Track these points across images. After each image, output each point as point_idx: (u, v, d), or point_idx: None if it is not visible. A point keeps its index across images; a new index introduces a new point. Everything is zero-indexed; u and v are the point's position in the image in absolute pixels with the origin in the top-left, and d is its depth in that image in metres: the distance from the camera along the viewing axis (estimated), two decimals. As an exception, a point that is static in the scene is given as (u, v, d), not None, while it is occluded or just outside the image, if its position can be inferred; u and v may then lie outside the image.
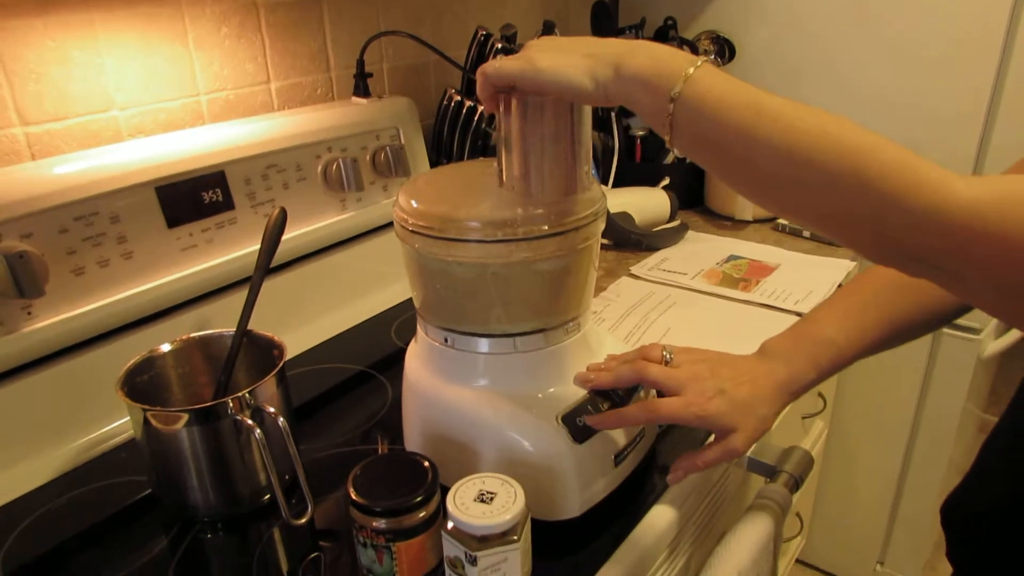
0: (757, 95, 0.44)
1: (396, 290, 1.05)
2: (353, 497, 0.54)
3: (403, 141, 1.02)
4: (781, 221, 1.29)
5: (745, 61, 1.40)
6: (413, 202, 0.62)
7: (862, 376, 1.47)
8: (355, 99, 1.00)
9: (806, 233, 1.25)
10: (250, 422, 0.60)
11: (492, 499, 0.52)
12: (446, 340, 0.64)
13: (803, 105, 0.44)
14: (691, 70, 0.45)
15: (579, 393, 0.63)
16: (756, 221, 1.31)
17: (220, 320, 0.84)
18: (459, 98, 1.06)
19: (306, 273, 0.94)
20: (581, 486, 0.62)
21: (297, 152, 0.89)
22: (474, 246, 0.59)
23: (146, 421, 0.61)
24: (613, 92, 0.49)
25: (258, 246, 0.85)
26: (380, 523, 0.53)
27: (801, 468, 0.79)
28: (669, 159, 1.35)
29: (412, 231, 0.61)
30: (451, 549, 0.52)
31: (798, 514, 1.25)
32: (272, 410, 0.62)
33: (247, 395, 0.61)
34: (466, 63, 1.07)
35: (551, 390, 0.63)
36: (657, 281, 1.09)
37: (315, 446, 0.74)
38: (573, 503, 0.62)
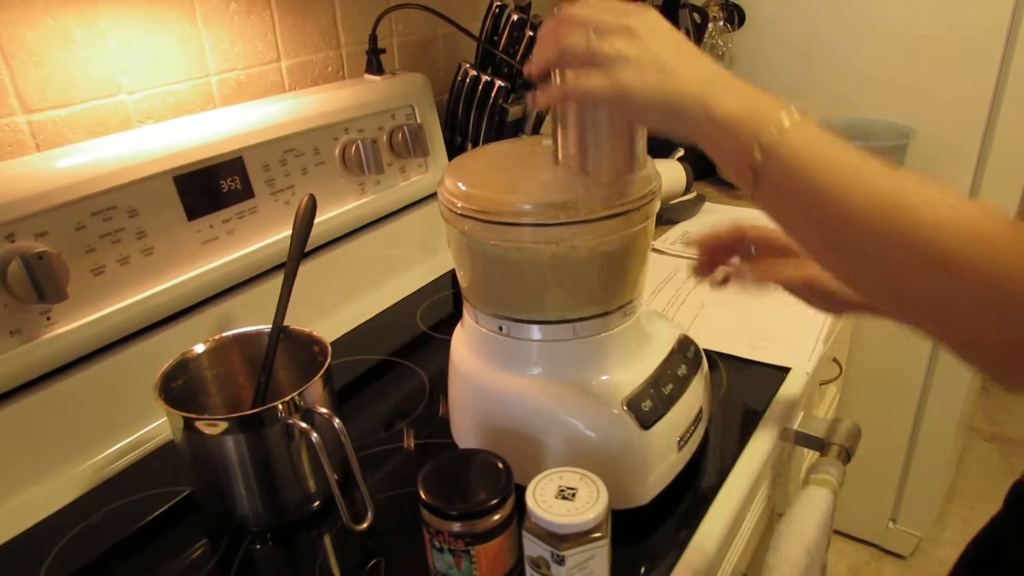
0: (860, 159, 0.40)
1: (417, 273, 1.01)
2: (427, 499, 0.51)
3: (419, 119, 0.97)
4: (796, 188, 1.27)
5: (755, 27, 1.36)
6: (461, 184, 0.58)
7: (874, 339, 1.46)
8: (368, 76, 0.95)
9: (823, 200, 1.23)
10: (303, 425, 0.56)
11: (574, 495, 0.49)
12: (500, 328, 0.61)
13: (908, 175, 0.39)
14: (786, 121, 0.41)
15: (640, 378, 0.60)
16: (771, 189, 1.28)
17: (245, 315, 0.80)
18: (474, 73, 1.01)
19: (327, 261, 0.89)
20: (650, 473, 0.59)
21: (315, 135, 0.84)
22: (530, 230, 0.55)
23: (190, 429, 0.57)
24: (697, 131, 0.44)
25: (280, 235, 0.82)
26: (457, 527, 0.50)
27: (851, 439, 0.77)
28: (680, 129, 1.31)
29: (462, 215, 0.57)
30: (534, 549, 0.49)
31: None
32: (325, 411, 0.58)
33: (297, 397, 0.57)
34: (481, 35, 1.02)
35: (611, 376, 0.60)
36: (682, 256, 1.06)
37: (357, 443, 0.70)
38: (643, 490, 0.60)
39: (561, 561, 0.48)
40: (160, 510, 0.63)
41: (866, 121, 1.31)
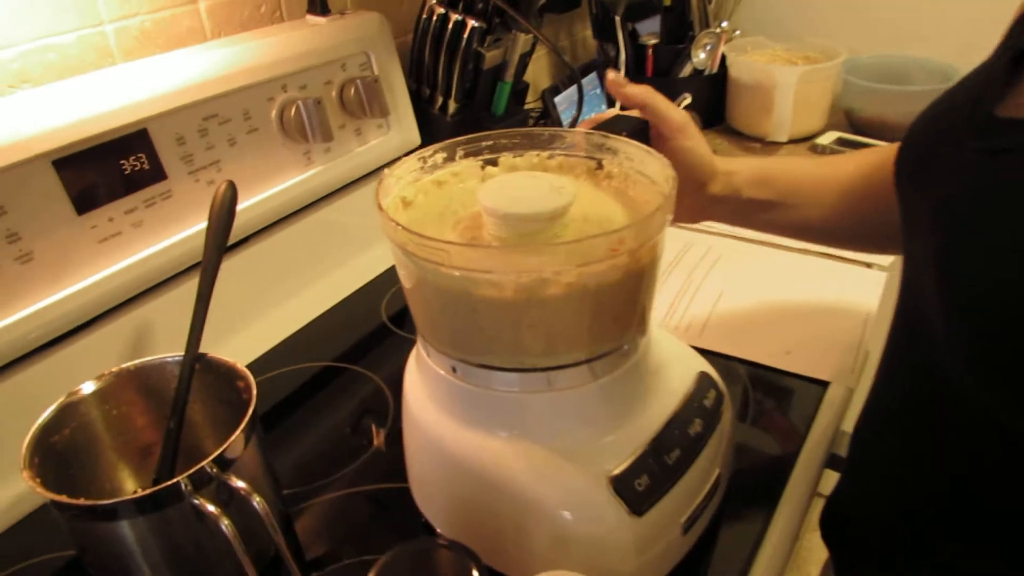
0: None
1: (380, 253, 0.87)
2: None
3: (376, 71, 0.81)
4: (819, 141, 1.12)
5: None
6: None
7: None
8: (311, 18, 0.79)
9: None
10: (212, 510, 0.43)
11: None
12: (454, 370, 0.47)
13: None
14: None
15: (637, 442, 0.47)
16: (792, 142, 1.14)
17: (167, 324, 0.66)
18: (442, 11, 0.85)
19: (268, 248, 0.75)
20: (641, 566, 0.47)
21: (243, 95, 0.69)
22: (496, 254, 0.41)
23: (67, 512, 0.44)
24: None
25: (203, 224, 0.67)
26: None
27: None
28: (686, 71, 1.16)
29: (392, 219, 0.43)
30: None
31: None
32: (242, 486, 0.45)
33: (209, 466, 0.44)
34: (450, -37, 0.85)
35: (598, 441, 0.47)
36: (693, 228, 0.92)
37: (295, 491, 0.58)
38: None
39: None
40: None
41: (904, 60, 1.16)
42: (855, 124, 1.16)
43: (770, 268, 0.84)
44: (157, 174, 0.63)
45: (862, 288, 0.80)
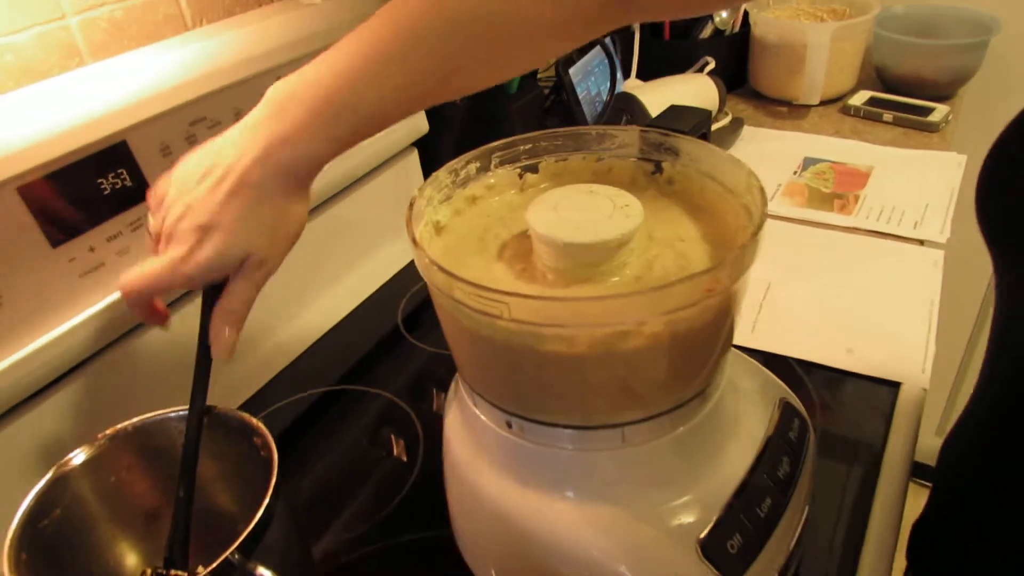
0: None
1: (397, 250, 0.80)
2: None
3: (379, 52, 0.72)
4: (851, 102, 1.04)
5: None
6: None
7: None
8: (303, -4, 0.70)
9: (887, 116, 1.01)
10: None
11: None
12: (509, 425, 0.41)
13: None
14: None
15: (723, 496, 0.40)
16: (823, 103, 1.06)
17: (162, 366, 0.59)
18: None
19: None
20: None
21: (234, 93, 0.60)
22: (569, 307, 0.34)
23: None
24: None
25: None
26: None
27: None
28: (707, 31, 1.07)
29: (433, 262, 0.36)
30: None
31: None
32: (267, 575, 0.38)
33: (232, 556, 0.38)
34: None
35: (679, 499, 0.40)
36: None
37: (325, 549, 0.52)
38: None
39: None
40: None
41: (940, 12, 1.07)
42: (887, 81, 1.08)
43: (816, 251, 0.77)
44: (142, 192, 0.55)
45: (919, 269, 0.73)
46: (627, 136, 0.46)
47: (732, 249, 0.38)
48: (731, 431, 0.43)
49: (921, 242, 0.77)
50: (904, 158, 0.92)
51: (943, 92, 1.04)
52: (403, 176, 0.82)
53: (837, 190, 0.86)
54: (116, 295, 0.54)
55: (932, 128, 0.97)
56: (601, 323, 0.33)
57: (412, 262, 0.82)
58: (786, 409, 0.47)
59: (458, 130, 0.86)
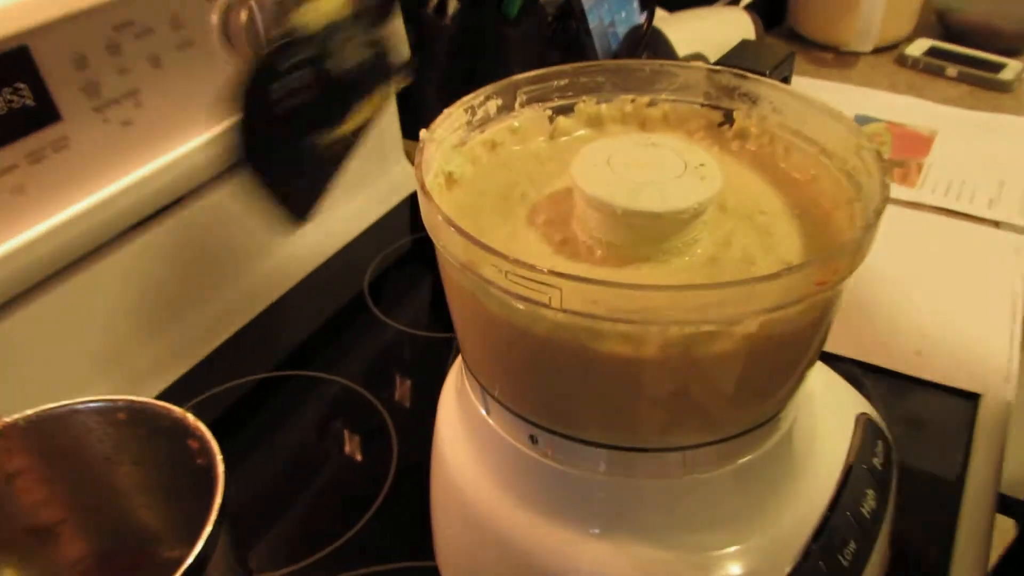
0: None
1: (368, 202, 0.75)
2: None
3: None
4: (908, 52, 1.01)
5: None
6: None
7: None
8: None
9: (950, 70, 0.98)
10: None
11: None
12: (533, 440, 0.36)
13: None
14: None
15: (797, 544, 0.36)
16: (875, 52, 1.02)
17: (67, 338, 0.53)
18: None
19: (211, 208, 0.61)
20: None
21: (170, -8, 0.54)
22: (648, 296, 0.29)
23: None
24: None
25: (119, 183, 0.54)
26: None
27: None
28: (743, -43, 1.02)
29: (449, 224, 0.31)
30: None
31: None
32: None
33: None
34: None
35: (744, 542, 0.36)
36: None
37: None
38: None
39: None
40: None
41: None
42: (951, 29, 1.05)
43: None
44: (45, 113, 0.49)
45: (996, 257, 0.71)
46: (690, 75, 0.42)
47: (841, 230, 0.34)
48: (806, 457, 0.39)
49: (997, 224, 0.75)
50: (972, 121, 0.89)
51: (1017, 45, 1.01)
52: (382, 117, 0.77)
53: (896, 156, 0.83)
54: (7, 246, 0.48)
55: (1004, 87, 0.95)
56: (684, 320, 0.28)
57: (382, 219, 0.78)
58: (868, 428, 0.43)
59: (445, 61, 0.80)
